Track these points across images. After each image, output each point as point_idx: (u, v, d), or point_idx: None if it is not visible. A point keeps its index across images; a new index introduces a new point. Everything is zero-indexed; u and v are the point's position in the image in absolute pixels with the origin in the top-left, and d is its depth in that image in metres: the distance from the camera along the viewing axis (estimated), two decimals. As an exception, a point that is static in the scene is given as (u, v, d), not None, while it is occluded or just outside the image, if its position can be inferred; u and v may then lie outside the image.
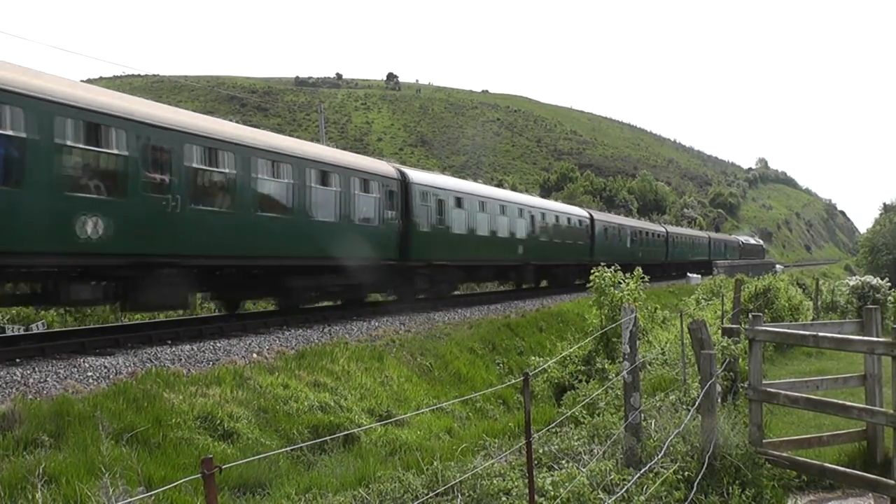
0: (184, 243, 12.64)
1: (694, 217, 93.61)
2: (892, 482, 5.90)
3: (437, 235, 20.73)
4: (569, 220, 32.27)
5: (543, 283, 31.97)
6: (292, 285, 15.95)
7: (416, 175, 20.69)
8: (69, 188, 10.54)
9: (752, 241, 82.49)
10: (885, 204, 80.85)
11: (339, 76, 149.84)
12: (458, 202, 22.32)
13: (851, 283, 20.25)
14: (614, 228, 38.04)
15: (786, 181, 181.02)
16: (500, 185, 64.09)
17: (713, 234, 67.24)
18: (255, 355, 11.26)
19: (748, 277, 23.85)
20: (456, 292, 27.35)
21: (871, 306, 8.32)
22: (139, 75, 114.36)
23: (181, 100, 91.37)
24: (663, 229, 49.01)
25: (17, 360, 9.99)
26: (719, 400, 7.22)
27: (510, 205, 26.38)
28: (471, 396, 11.33)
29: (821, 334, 6.80)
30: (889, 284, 19.65)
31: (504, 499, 5.26)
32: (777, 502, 6.06)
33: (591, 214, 35.00)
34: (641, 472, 5.42)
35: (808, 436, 7.30)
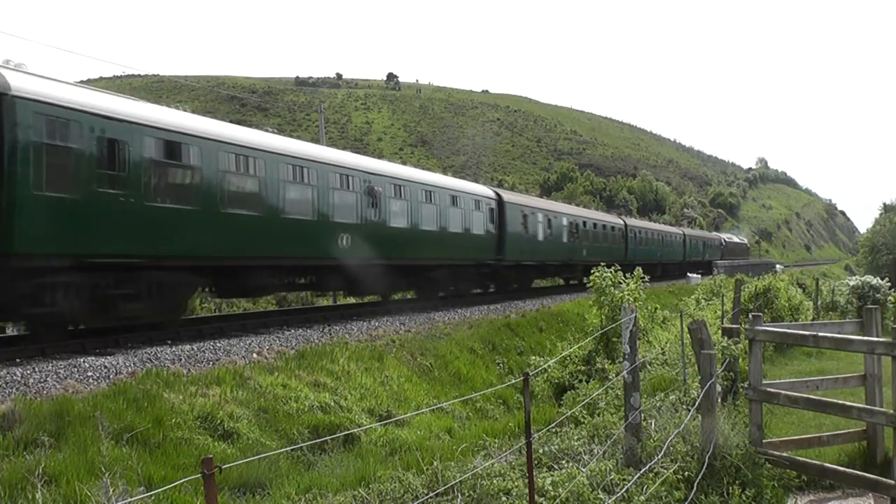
0: None
1: (694, 217, 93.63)
2: (892, 482, 5.90)
3: (96, 207, 11.16)
4: (454, 199, 21.84)
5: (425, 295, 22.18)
6: None
7: (32, 85, 10.53)
8: None
9: (735, 239, 75.92)
10: (885, 204, 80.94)
11: (339, 76, 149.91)
12: (171, 150, 12.49)
13: (851, 283, 20.24)
14: (540, 216, 28.23)
15: (786, 181, 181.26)
16: (500, 184, 63.72)
17: (689, 231, 59.53)
18: (255, 355, 11.26)
19: (747, 278, 23.83)
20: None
21: (871, 306, 8.33)
22: (139, 75, 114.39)
23: (181, 100, 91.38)
24: (621, 222, 40.19)
25: (17, 360, 9.99)
26: (719, 400, 7.22)
27: (317, 167, 15.94)
28: (471, 396, 11.32)
29: (821, 334, 6.80)
30: (889, 284, 19.64)
31: (504, 499, 5.26)
32: (777, 502, 6.06)
33: (497, 194, 25.68)
34: (641, 472, 5.42)
35: (808, 436, 7.31)
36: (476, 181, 45.21)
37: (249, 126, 20.93)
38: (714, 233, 73.75)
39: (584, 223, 33.52)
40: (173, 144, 12.60)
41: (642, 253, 41.10)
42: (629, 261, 36.10)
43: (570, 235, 31.17)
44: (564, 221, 30.82)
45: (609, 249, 35.56)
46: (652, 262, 43.80)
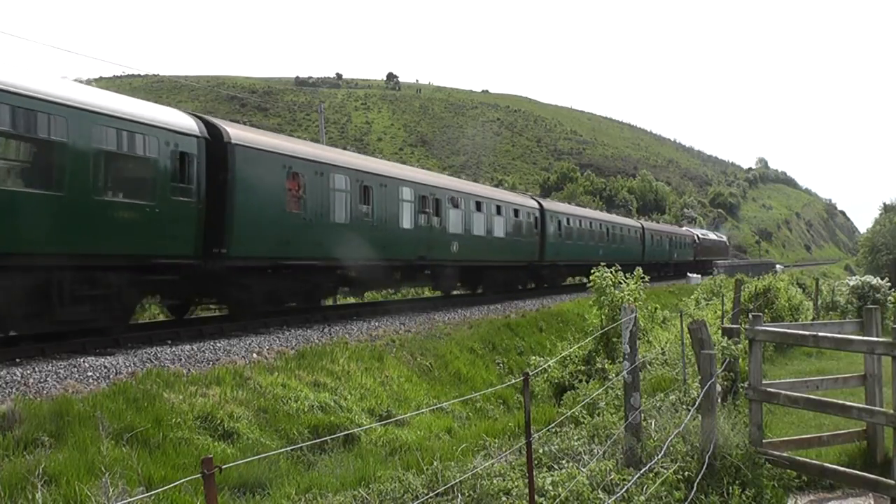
0: None
1: (694, 217, 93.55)
2: (892, 482, 5.90)
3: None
4: (119, 140, 11.51)
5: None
6: None
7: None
8: None
9: (711, 236, 65.36)
10: (885, 204, 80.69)
11: (339, 76, 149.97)
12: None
13: (851, 283, 20.22)
14: (342, 180, 16.53)
15: (786, 181, 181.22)
16: (499, 184, 63.46)
17: (650, 225, 47.78)
18: (255, 355, 11.26)
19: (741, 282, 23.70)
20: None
21: (871, 306, 8.33)
22: (139, 75, 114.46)
23: (181, 100, 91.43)
24: (534, 204, 28.05)
25: (17, 360, 9.99)
26: (719, 400, 7.22)
27: None
28: (471, 396, 11.32)
29: (821, 334, 6.80)
30: (889, 284, 19.63)
31: (504, 499, 5.26)
32: (777, 502, 6.06)
33: (212, 127, 13.79)
34: (641, 472, 5.42)
35: (808, 436, 7.31)
36: (476, 181, 43.61)
37: (249, 126, 20.63)
38: (686, 228, 62.30)
39: (455, 201, 21.56)
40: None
41: (571, 251, 30.01)
42: (549, 261, 27.88)
43: (420, 219, 19.64)
44: (406, 194, 18.98)
45: (511, 244, 25.19)
46: (590, 264, 30.70)
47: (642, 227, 42.97)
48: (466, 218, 22.41)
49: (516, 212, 25.92)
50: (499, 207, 24.68)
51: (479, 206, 23.31)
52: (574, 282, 33.97)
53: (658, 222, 62.87)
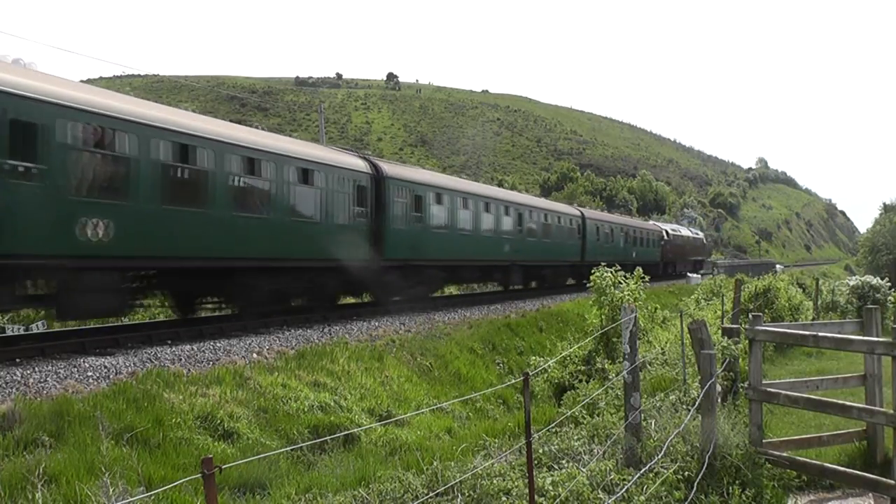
0: None
1: (694, 217, 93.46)
2: (892, 482, 5.89)
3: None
4: None
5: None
6: None
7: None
8: None
9: (685, 231, 52.53)
10: (885, 204, 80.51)
11: (339, 76, 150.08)
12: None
13: (851, 283, 20.22)
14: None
15: (786, 181, 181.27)
16: (500, 184, 63.36)
17: (594, 214, 36.39)
18: (255, 355, 11.26)
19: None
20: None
21: (871, 306, 8.32)
22: (139, 75, 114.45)
23: (181, 100, 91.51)
24: (362, 167, 17.51)
25: (17, 360, 9.99)
26: (719, 400, 7.22)
27: None
28: (471, 396, 11.32)
29: (821, 334, 6.79)
30: (889, 284, 19.63)
31: (504, 499, 5.26)
32: (777, 502, 6.06)
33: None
34: (641, 472, 5.42)
35: (808, 436, 7.30)
36: (476, 181, 43.50)
37: (248, 126, 20.65)
38: (652, 222, 50.51)
39: (96, 135, 10.84)
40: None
41: (445, 245, 20.38)
42: (398, 259, 18.36)
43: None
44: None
45: (295, 231, 15.15)
46: (489, 265, 23.49)
47: (582, 215, 32.08)
48: (144, 172, 11.60)
49: (305, 173, 15.27)
50: (252, 161, 13.84)
51: (186, 153, 12.40)
52: (459, 290, 25.46)
53: (609, 211, 50.10)
